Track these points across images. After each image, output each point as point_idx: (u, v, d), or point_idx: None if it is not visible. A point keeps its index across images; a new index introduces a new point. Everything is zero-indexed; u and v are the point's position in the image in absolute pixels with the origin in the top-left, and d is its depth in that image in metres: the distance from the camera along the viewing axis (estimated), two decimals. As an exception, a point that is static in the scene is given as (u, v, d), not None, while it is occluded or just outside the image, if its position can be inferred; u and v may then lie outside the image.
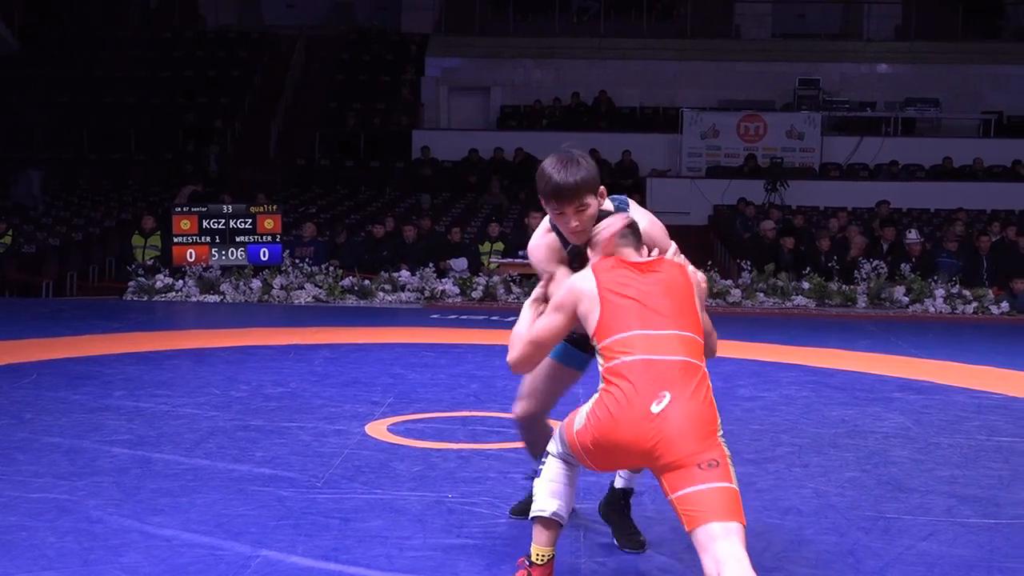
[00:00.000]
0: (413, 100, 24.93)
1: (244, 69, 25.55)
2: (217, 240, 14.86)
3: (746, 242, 17.10)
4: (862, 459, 5.96)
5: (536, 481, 3.89)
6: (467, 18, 26.31)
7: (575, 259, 4.11)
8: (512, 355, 4.01)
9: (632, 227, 3.93)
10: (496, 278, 14.53)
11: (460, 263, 15.37)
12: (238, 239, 14.91)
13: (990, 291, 14.40)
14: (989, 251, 15.77)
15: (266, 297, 14.15)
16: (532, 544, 3.84)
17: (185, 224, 14.88)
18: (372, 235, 16.36)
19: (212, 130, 23.14)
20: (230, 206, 15.29)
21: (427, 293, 14.33)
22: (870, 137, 22.93)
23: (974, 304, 14.13)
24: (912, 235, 16.17)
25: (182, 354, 9.48)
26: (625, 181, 21.79)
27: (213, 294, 14.22)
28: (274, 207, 15.46)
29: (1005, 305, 14.11)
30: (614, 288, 3.72)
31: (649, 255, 3.90)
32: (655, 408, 3.52)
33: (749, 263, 14.98)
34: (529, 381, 4.40)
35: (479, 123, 24.96)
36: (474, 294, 14.28)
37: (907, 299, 14.24)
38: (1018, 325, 13.42)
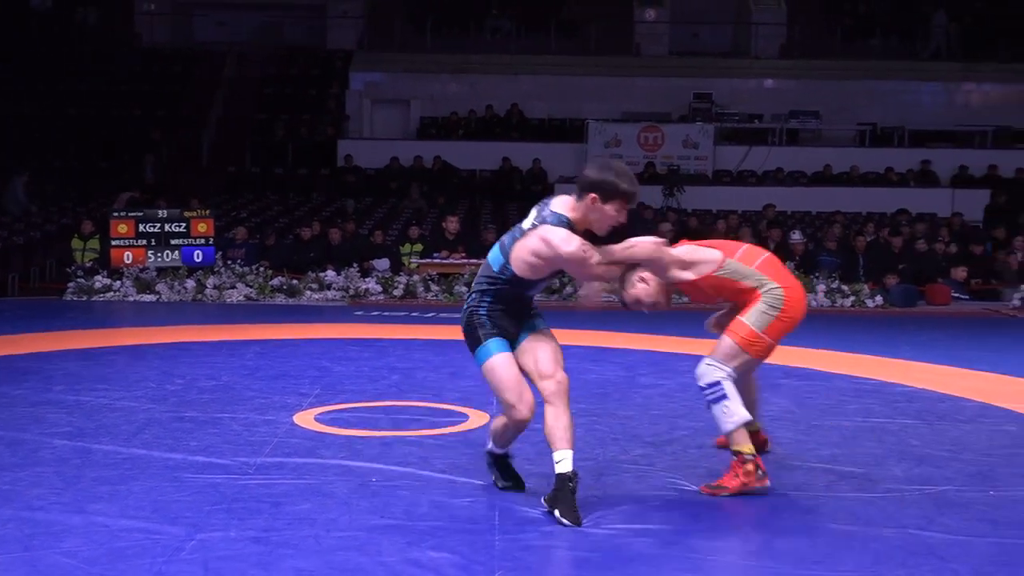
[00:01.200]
0: (338, 112, 24.74)
1: (178, 83, 25.18)
2: (153, 243, 14.65)
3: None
4: (751, 440, 6.03)
5: (719, 405, 4.93)
6: (388, 36, 26.20)
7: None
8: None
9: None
10: (416, 277, 14.49)
11: (382, 263, 15.30)
12: (173, 242, 14.72)
13: (866, 286, 14.66)
14: (865, 250, 16.07)
15: (200, 296, 13.97)
16: (739, 448, 4.87)
17: (123, 228, 14.65)
18: (300, 237, 16.22)
19: (148, 140, 22.79)
20: (165, 211, 15.08)
21: (351, 291, 14.25)
22: (758, 146, 23.20)
23: (852, 298, 14.38)
24: (796, 235, 16.43)
25: (120, 350, 9.32)
26: (535, 187, 21.85)
27: (149, 294, 14.00)
28: (207, 212, 15.28)
29: (879, 299, 14.39)
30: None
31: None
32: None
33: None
34: (514, 385, 4.55)
35: (400, 133, 24.85)
36: (395, 292, 14.23)
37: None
38: (891, 317, 13.69)
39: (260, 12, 28.33)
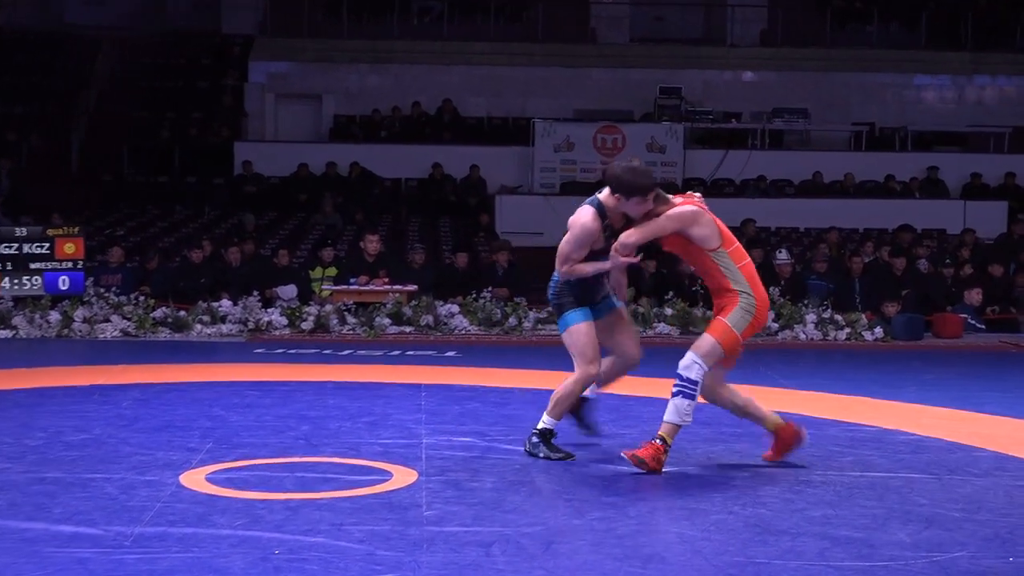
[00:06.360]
0: (235, 109, 24.71)
1: (41, 73, 25.00)
2: (9, 267, 14.48)
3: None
4: (729, 500, 6.06)
5: (687, 401, 6.50)
6: (296, 19, 26.16)
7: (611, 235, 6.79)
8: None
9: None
10: (329, 307, 14.44)
11: (288, 291, 15.24)
12: (33, 266, 14.55)
13: (863, 316, 14.73)
14: (862, 273, 16.21)
15: (66, 331, 13.84)
16: (668, 436, 6.58)
17: (-29, 249, 14.48)
18: (188, 260, 16.13)
19: (4, 142, 22.59)
20: (24, 229, 14.93)
21: (251, 325, 14.17)
22: (735, 151, 23.42)
23: (847, 330, 14.50)
24: (782, 255, 16.53)
25: (-32, 398, 9.19)
26: (472, 199, 21.89)
27: (4, 328, 13.85)
28: (75, 229, 15.13)
29: (879, 331, 14.51)
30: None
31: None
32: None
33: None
34: (591, 348, 6.85)
35: (309, 135, 24.86)
36: (304, 325, 14.17)
37: (776, 325, 14.49)
38: (892, 352, 13.83)
39: (141, -10, 28.25)
